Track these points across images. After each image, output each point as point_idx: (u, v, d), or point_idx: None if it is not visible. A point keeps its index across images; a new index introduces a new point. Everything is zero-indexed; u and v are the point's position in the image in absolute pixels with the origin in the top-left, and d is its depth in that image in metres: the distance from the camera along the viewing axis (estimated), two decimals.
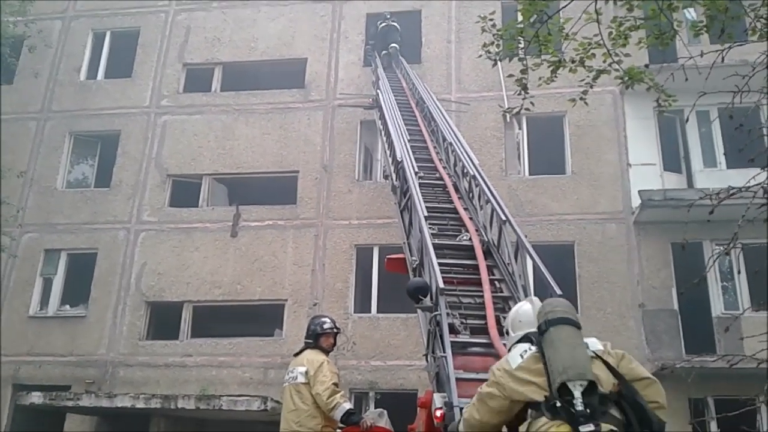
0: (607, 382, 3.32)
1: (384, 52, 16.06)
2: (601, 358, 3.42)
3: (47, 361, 14.79)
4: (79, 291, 15.71)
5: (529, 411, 3.34)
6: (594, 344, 3.52)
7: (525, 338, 3.62)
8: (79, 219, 16.18)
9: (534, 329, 3.57)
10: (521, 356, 3.47)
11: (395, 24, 16.29)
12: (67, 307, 15.84)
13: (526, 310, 3.86)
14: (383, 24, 16.30)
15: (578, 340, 3.44)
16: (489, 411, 3.51)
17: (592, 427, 3.13)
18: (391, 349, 13.84)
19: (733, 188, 4.55)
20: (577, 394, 3.19)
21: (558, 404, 3.21)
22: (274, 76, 17.15)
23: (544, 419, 3.23)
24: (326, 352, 6.46)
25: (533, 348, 3.47)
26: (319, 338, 6.46)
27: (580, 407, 3.16)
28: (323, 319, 6.68)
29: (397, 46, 16.15)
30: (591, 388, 3.22)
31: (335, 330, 6.59)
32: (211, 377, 14.19)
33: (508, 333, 3.94)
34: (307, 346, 6.49)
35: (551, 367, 3.30)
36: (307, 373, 6.16)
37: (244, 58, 17.52)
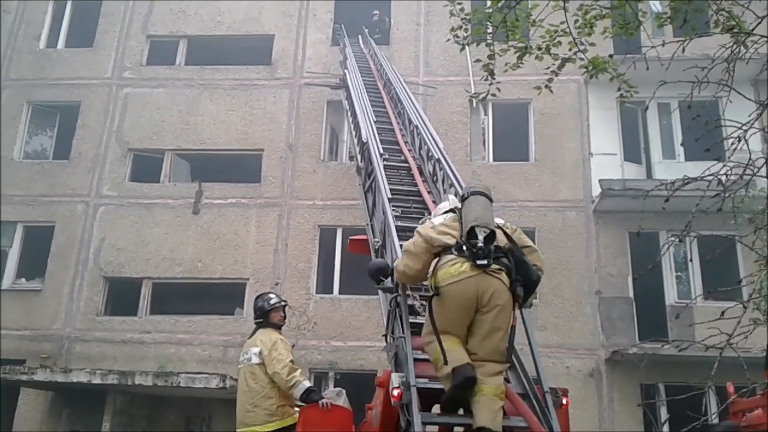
0: (502, 241, 4.34)
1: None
2: (501, 228, 4.42)
3: (1, 334, 14.49)
4: (35, 264, 15.41)
5: (441, 253, 4.32)
6: (497, 219, 4.48)
7: (447, 212, 4.67)
8: (36, 191, 15.84)
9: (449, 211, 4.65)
10: (444, 217, 4.58)
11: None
12: (23, 280, 15.54)
13: (442, 206, 4.97)
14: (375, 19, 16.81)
15: (489, 206, 4.42)
16: (412, 256, 4.50)
17: (485, 262, 4.15)
18: (352, 330, 13.91)
19: (689, 178, 4.66)
20: (481, 237, 4.20)
21: (464, 247, 4.22)
22: (240, 52, 16.92)
23: (452, 255, 4.25)
24: (278, 327, 6.44)
25: (453, 214, 4.55)
26: (268, 314, 6.40)
27: (480, 244, 4.18)
28: (269, 295, 6.61)
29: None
30: (491, 237, 4.24)
31: (282, 303, 6.53)
32: (170, 354, 14.09)
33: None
34: (258, 326, 6.46)
35: (465, 218, 4.32)
36: (260, 353, 6.13)
37: (210, 32, 17.23)
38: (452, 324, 4.23)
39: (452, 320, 4.22)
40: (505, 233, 4.41)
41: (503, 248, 4.30)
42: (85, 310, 14.76)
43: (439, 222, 4.54)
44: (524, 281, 4.29)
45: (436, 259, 4.32)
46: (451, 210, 4.68)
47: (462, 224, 4.34)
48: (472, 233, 4.22)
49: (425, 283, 4.56)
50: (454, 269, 4.18)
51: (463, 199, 4.51)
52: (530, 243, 4.57)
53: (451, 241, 4.33)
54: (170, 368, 13.38)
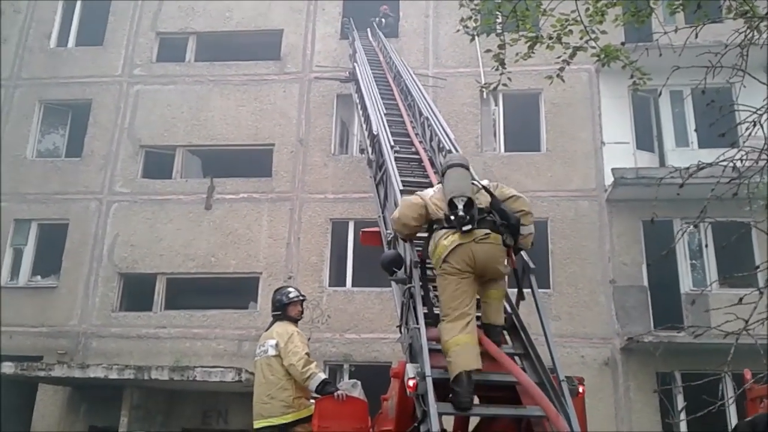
0: (485, 202, 4.82)
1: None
2: (485, 188, 4.92)
3: (18, 331, 14.65)
4: (50, 261, 15.54)
5: (434, 227, 4.85)
6: (482, 181, 5.05)
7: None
8: (49, 189, 15.96)
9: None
10: (434, 191, 5.08)
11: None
12: (38, 277, 15.68)
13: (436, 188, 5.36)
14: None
15: (465, 175, 4.93)
16: (408, 208, 5.02)
17: (470, 227, 4.63)
18: (366, 323, 13.94)
19: (703, 164, 4.63)
20: (460, 206, 4.67)
21: (451, 218, 4.68)
22: (250, 47, 16.95)
23: (443, 230, 4.74)
24: (295, 321, 6.49)
25: (441, 186, 5.05)
26: (287, 308, 6.48)
27: (461, 213, 4.65)
28: (288, 289, 6.72)
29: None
30: (470, 203, 4.69)
31: (301, 298, 6.63)
32: (185, 349, 14.19)
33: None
34: (275, 319, 6.51)
35: (445, 190, 4.86)
36: (277, 345, 6.18)
37: (219, 28, 17.26)
38: (460, 295, 4.63)
39: (459, 291, 4.64)
40: (489, 192, 4.91)
41: (485, 208, 4.78)
42: (100, 306, 14.87)
43: (431, 195, 5.03)
44: (510, 228, 4.78)
45: (433, 237, 4.83)
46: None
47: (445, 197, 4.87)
48: (452, 204, 4.71)
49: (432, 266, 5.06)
50: (447, 241, 4.68)
51: (442, 174, 5.10)
52: (513, 192, 5.04)
53: (441, 213, 4.83)
54: (186, 363, 13.48)
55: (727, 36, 5.22)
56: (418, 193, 5.19)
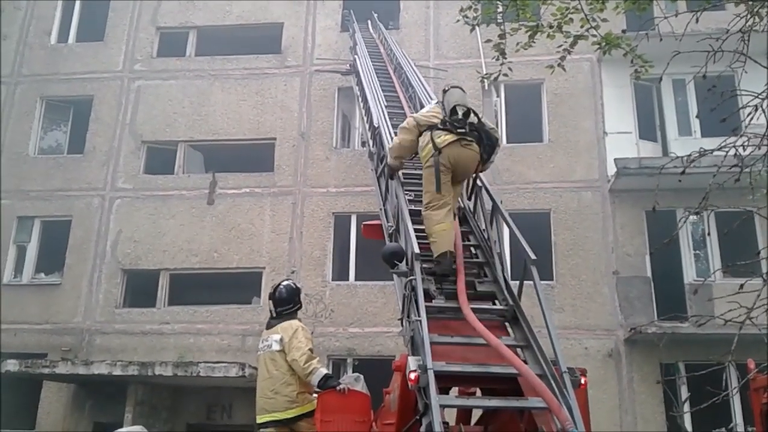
0: (475, 120, 5.79)
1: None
2: (473, 111, 5.86)
3: (23, 329, 14.69)
4: (53, 258, 15.56)
5: (429, 129, 5.81)
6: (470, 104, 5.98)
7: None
8: (52, 186, 15.97)
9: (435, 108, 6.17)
10: (426, 109, 6.24)
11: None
12: (42, 275, 15.70)
13: (430, 105, 6.60)
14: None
15: (464, 95, 6.02)
16: (407, 131, 6.06)
17: (465, 130, 5.68)
18: (369, 317, 13.93)
19: (705, 150, 4.58)
20: (460, 113, 5.74)
21: (447, 122, 5.74)
22: (250, 41, 16.91)
23: (438, 130, 5.75)
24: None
25: (437, 102, 6.19)
26: (300, 303, 6.56)
27: (461, 118, 5.73)
28: (293, 286, 6.69)
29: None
30: (468, 113, 5.76)
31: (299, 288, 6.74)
32: (189, 344, 14.20)
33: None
34: (287, 315, 6.44)
35: (448, 102, 5.88)
36: (281, 340, 6.16)
37: (219, 22, 17.22)
38: (445, 180, 5.71)
39: (446, 174, 5.70)
40: (476, 115, 5.89)
41: (475, 124, 5.79)
42: (104, 303, 14.89)
43: (426, 110, 6.20)
44: (487, 145, 5.80)
45: (424, 135, 5.82)
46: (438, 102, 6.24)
47: (444, 108, 5.88)
48: (454, 111, 5.73)
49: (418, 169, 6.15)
50: (440, 139, 5.67)
51: (444, 92, 6.09)
52: (493, 126, 6.09)
53: (436, 119, 5.85)
54: (190, 358, 13.49)
55: (728, 22, 5.17)
56: (412, 114, 6.36)
